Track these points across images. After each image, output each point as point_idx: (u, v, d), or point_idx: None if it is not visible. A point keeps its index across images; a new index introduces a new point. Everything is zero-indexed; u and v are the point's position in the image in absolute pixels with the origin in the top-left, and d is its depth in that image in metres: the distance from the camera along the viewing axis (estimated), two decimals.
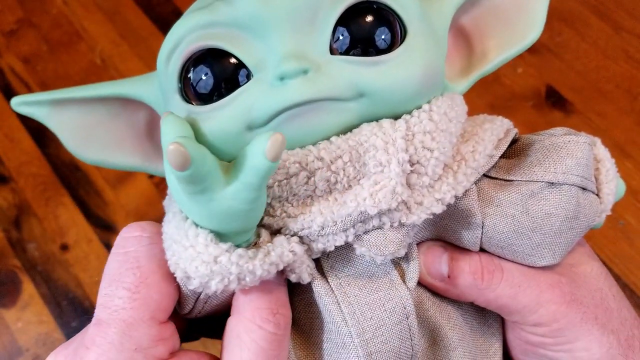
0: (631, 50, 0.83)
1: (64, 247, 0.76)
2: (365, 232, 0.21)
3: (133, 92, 0.24)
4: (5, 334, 0.71)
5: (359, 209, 0.20)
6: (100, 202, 0.78)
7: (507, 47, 0.24)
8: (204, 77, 0.20)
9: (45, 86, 0.87)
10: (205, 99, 0.20)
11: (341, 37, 0.20)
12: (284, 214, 0.21)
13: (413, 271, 0.22)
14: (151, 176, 0.79)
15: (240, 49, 0.20)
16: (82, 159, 0.25)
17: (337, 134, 0.21)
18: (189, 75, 0.21)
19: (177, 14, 0.91)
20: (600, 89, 0.81)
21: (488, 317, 0.25)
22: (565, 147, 0.23)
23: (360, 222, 0.20)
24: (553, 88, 0.81)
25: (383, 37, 0.20)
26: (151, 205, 0.77)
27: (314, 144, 0.20)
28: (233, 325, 0.21)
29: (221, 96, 0.20)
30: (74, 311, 0.72)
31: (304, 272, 0.21)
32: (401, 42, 0.21)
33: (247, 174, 0.18)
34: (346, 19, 0.20)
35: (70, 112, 0.24)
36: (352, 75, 0.20)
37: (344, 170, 0.20)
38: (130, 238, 0.22)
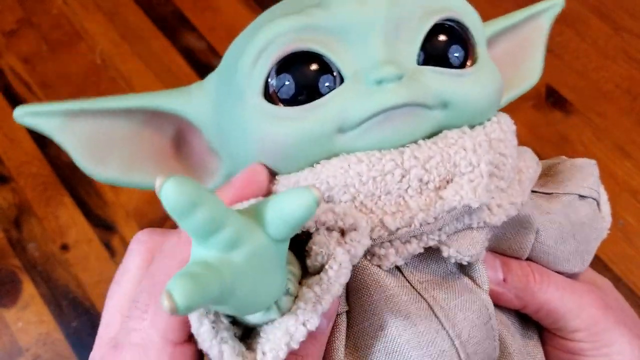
0: (631, 50, 0.83)
1: (64, 247, 0.76)
2: (454, 233, 0.21)
3: (170, 106, 0.23)
4: (6, 334, 0.71)
5: (463, 202, 0.20)
6: (100, 202, 0.78)
7: (512, 89, 0.27)
8: (287, 83, 0.21)
9: (45, 86, 0.87)
10: (288, 102, 0.21)
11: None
12: (379, 211, 0.21)
13: (483, 275, 0.23)
14: None
15: (335, 54, 0.21)
16: (97, 178, 0.23)
17: (422, 139, 0.21)
18: (271, 80, 0.21)
19: (177, 14, 0.91)
20: (600, 89, 0.81)
21: (529, 329, 0.26)
22: (586, 167, 0.25)
23: (456, 219, 0.21)
24: (553, 88, 0.81)
25: (457, 55, 0.22)
26: (151, 205, 0.78)
27: (401, 146, 0.21)
28: None
29: (302, 102, 0.21)
30: (74, 311, 0.72)
31: None
32: (473, 62, 0.22)
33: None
34: (429, 35, 0.22)
35: (86, 124, 0.22)
36: (438, 85, 0.21)
37: (436, 169, 0.21)
38: (135, 250, 0.21)
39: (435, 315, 0.21)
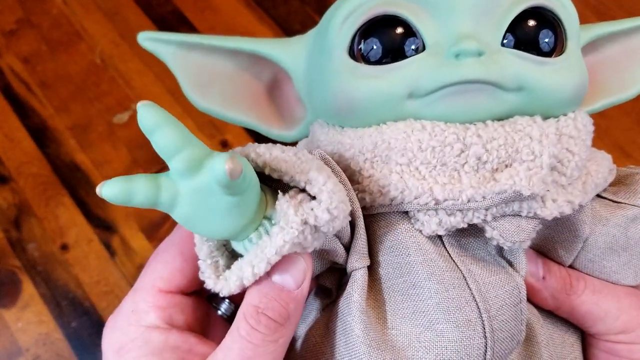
0: None
1: (64, 247, 0.76)
2: (501, 216, 0.21)
3: (272, 53, 0.25)
4: (5, 334, 0.71)
5: (514, 187, 0.20)
6: (101, 202, 0.78)
7: (610, 95, 0.27)
8: (375, 47, 0.22)
9: (45, 86, 0.87)
10: (372, 63, 0.22)
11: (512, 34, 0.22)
12: (431, 180, 0.21)
13: (522, 262, 0.23)
14: None
15: (420, 21, 0.21)
16: (197, 105, 0.25)
17: (491, 120, 0.22)
18: (359, 46, 0.22)
19: (177, 14, 0.91)
20: None
21: (566, 327, 0.26)
22: None
23: (504, 203, 0.21)
24: None
25: (547, 40, 0.22)
26: None
27: (469, 123, 0.21)
28: (239, 309, 0.22)
29: (385, 63, 0.21)
30: (74, 311, 0.72)
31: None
32: (560, 54, 0.22)
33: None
34: (520, 18, 0.22)
35: (197, 57, 0.25)
36: (518, 69, 0.21)
37: (497, 151, 0.21)
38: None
39: (468, 286, 0.22)
